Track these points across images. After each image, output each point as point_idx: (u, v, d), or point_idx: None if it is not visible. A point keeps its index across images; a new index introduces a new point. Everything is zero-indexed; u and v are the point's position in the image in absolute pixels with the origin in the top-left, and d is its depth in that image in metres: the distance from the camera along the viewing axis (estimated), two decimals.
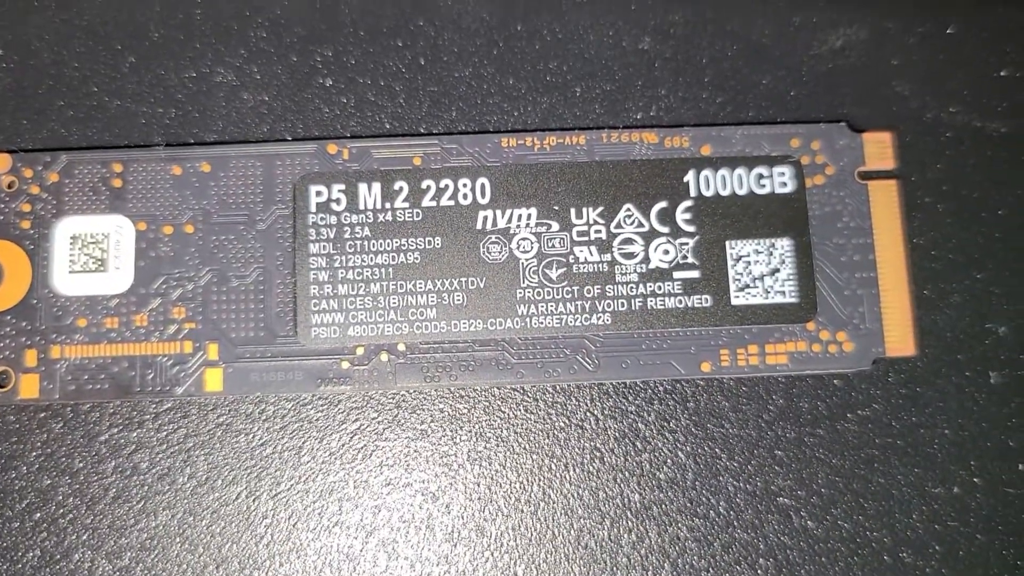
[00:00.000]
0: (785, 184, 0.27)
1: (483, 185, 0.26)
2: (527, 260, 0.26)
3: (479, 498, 0.26)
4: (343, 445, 0.26)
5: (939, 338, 0.27)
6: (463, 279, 0.26)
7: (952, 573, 0.26)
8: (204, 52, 0.28)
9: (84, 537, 0.26)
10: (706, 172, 0.27)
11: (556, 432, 0.26)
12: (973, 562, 0.26)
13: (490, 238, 0.26)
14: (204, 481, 0.26)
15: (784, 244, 0.26)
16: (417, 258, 0.26)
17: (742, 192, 0.27)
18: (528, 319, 0.26)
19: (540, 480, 0.26)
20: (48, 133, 0.27)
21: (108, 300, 0.26)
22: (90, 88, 0.27)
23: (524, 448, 0.26)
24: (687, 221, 0.26)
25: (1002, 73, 0.28)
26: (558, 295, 0.26)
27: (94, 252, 0.26)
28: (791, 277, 0.26)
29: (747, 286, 0.26)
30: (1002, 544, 0.26)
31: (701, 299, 0.26)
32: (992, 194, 0.27)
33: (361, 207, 0.26)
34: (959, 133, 0.28)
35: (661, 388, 0.27)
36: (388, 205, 0.26)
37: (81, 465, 0.26)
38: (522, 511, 0.26)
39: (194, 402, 0.26)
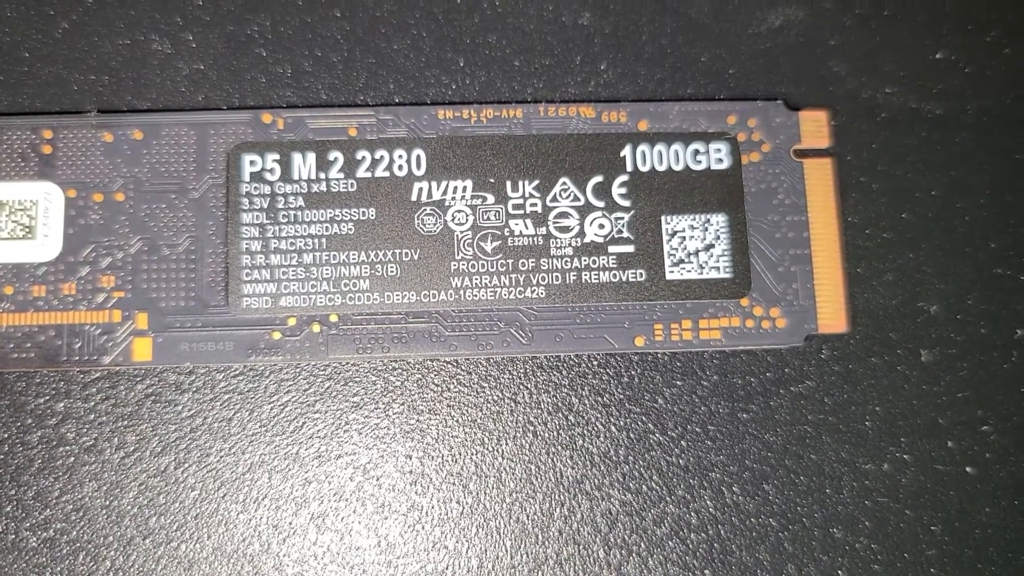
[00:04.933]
0: (721, 160, 0.27)
1: (418, 156, 0.26)
2: (462, 232, 0.26)
3: (411, 471, 0.26)
4: (274, 417, 0.26)
5: (871, 316, 0.27)
6: (397, 251, 0.26)
7: (882, 548, 0.26)
8: (139, 19, 0.27)
9: (8, 508, 0.25)
10: (643, 147, 0.27)
11: (489, 405, 0.26)
12: (902, 538, 0.26)
13: (425, 210, 0.26)
14: (132, 452, 0.26)
15: (719, 220, 0.26)
16: (351, 229, 0.26)
17: (678, 168, 0.27)
18: (462, 291, 0.26)
19: (472, 453, 0.26)
20: None
21: (36, 268, 0.25)
22: (21, 53, 0.27)
23: (457, 421, 0.26)
24: (623, 196, 0.26)
25: (937, 55, 0.28)
26: (493, 268, 0.26)
27: (22, 219, 0.26)
28: (725, 253, 0.26)
29: (682, 261, 0.26)
30: (931, 520, 0.26)
31: (636, 273, 0.26)
32: (926, 175, 0.28)
33: (295, 177, 0.26)
34: (894, 114, 0.28)
35: (595, 362, 0.27)
36: (322, 175, 0.26)
37: (6, 435, 0.26)
38: (454, 484, 0.26)
39: (122, 372, 0.26)
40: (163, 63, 0.27)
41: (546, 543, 0.26)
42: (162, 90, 0.27)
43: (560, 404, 0.26)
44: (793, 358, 0.27)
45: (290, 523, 0.26)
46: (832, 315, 0.26)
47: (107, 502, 0.25)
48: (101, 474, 0.25)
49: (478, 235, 0.26)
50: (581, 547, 0.26)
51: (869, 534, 0.26)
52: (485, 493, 0.26)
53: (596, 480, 0.26)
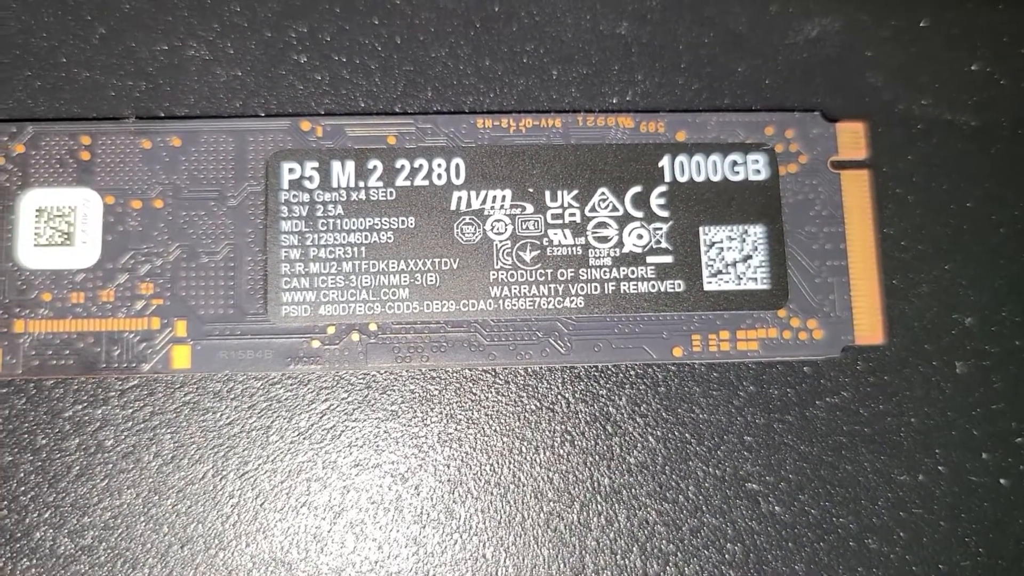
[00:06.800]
0: (759, 171, 0.27)
1: (458, 166, 0.26)
2: (501, 242, 0.26)
3: (448, 480, 0.26)
4: (312, 425, 0.26)
5: (907, 327, 0.27)
6: (436, 260, 0.26)
7: (916, 559, 0.26)
8: (176, 25, 0.27)
9: (46, 515, 0.25)
10: (681, 158, 0.27)
11: (527, 415, 0.26)
12: (937, 549, 0.26)
13: (464, 219, 0.26)
14: (170, 460, 0.26)
15: (757, 231, 0.26)
16: (390, 238, 0.26)
17: (716, 178, 0.27)
18: (501, 301, 0.26)
19: (510, 463, 0.26)
20: (14, 103, 0.27)
21: (74, 274, 0.25)
22: (58, 59, 0.27)
23: (495, 430, 0.26)
24: (661, 206, 0.26)
25: (972, 67, 0.28)
26: (531, 277, 0.26)
27: (60, 225, 0.26)
28: (763, 264, 0.26)
29: (720, 272, 0.26)
30: (965, 532, 0.27)
31: (674, 284, 0.26)
32: (961, 186, 0.28)
33: (334, 185, 0.26)
34: (930, 125, 0.28)
35: (632, 372, 0.27)
36: (361, 184, 0.26)
37: (44, 442, 0.26)
38: (492, 493, 0.26)
39: (161, 379, 0.26)
40: (201, 69, 0.27)
41: (583, 553, 0.26)
42: (200, 96, 0.27)
43: (598, 414, 0.26)
44: (829, 369, 0.27)
45: (328, 531, 0.26)
46: (869, 327, 0.26)
47: (145, 509, 0.25)
48: (139, 481, 0.25)
49: (517, 245, 0.26)
50: (618, 557, 0.26)
51: (904, 545, 0.26)
52: (523, 502, 0.26)
53: (633, 490, 0.26)
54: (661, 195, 0.26)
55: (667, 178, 0.27)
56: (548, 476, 0.26)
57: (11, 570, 0.25)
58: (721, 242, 0.26)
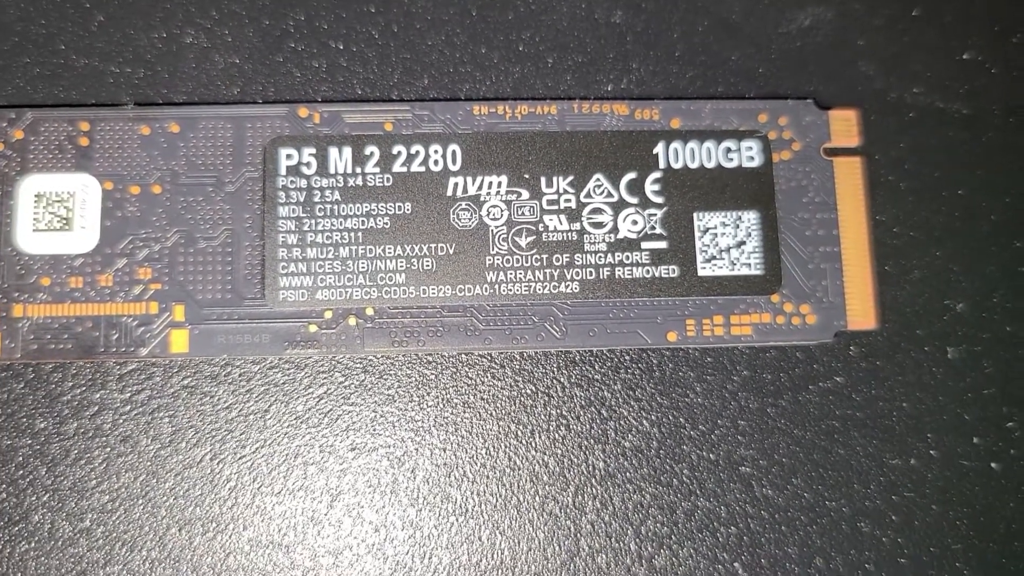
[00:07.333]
0: (752, 158, 0.27)
1: (454, 152, 0.26)
2: (497, 227, 0.26)
3: (445, 463, 0.26)
4: (309, 409, 0.26)
5: (899, 313, 0.27)
6: (432, 245, 0.26)
7: (908, 542, 0.27)
8: (174, 12, 0.27)
9: (44, 498, 0.25)
10: (675, 144, 0.27)
11: (522, 399, 0.27)
12: (928, 532, 0.27)
13: (460, 205, 0.26)
14: (168, 443, 0.26)
15: (750, 217, 0.27)
16: (387, 223, 0.26)
17: (710, 165, 0.27)
18: (497, 286, 0.26)
19: (506, 446, 0.26)
20: (13, 90, 0.27)
21: (72, 259, 0.26)
22: (57, 46, 0.27)
23: (490, 414, 0.26)
24: (656, 192, 0.27)
25: (964, 56, 0.29)
26: (527, 263, 0.26)
27: (59, 211, 0.26)
28: (757, 250, 0.27)
29: (713, 258, 0.26)
30: (956, 515, 0.27)
31: (668, 269, 0.26)
32: (952, 174, 0.28)
33: (331, 171, 0.26)
34: (921, 113, 0.28)
35: (627, 357, 0.27)
36: (359, 170, 0.26)
37: (43, 426, 0.26)
38: (487, 477, 0.26)
39: (159, 363, 0.26)
40: (198, 57, 0.27)
41: (578, 536, 0.26)
42: (197, 83, 0.27)
43: (593, 398, 0.27)
44: (822, 354, 0.27)
45: (325, 514, 0.26)
46: (861, 312, 0.27)
47: (143, 493, 0.26)
48: (137, 465, 0.26)
49: (513, 230, 0.26)
50: (613, 540, 0.26)
51: (896, 528, 0.27)
52: (518, 486, 0.26)
53: (628, 474, 0.26)
54: (656, 181, 0.27)
55: (662, 164, 0.27)
56: (543, 460, 0.26)
57: (9, 553, 0.25)
58: (715, 228, 0.27)
